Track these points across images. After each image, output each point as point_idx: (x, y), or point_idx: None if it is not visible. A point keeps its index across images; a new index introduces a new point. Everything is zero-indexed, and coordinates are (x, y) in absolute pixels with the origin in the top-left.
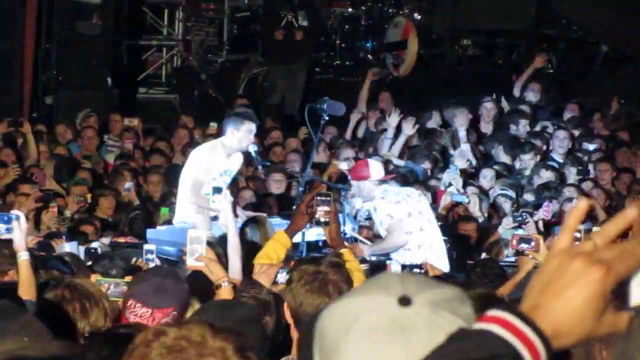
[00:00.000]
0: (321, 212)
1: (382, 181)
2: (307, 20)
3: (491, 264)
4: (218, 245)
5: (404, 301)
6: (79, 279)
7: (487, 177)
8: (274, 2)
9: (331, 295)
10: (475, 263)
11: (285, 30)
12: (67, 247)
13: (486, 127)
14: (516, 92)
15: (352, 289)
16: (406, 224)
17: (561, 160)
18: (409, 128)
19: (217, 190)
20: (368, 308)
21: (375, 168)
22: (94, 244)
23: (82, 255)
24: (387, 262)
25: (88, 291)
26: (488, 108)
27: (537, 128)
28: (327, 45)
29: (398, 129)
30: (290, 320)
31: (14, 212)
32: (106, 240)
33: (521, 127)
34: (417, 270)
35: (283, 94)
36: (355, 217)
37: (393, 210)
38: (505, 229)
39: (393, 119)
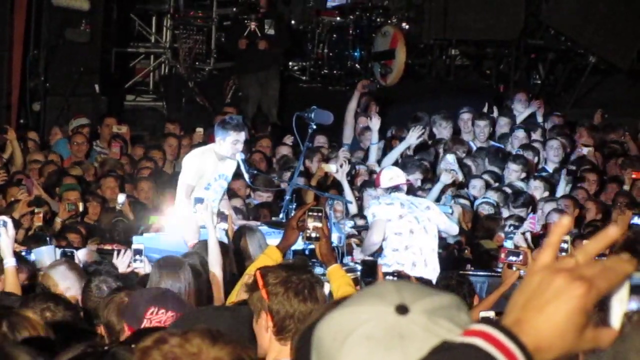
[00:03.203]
0: (312, 228)
1: (394, 189)
2: (273, 29)
3: (450, 274)
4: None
5: (401, 309)
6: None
7: (476, 187)
8: (241, 11)
9: (319, 300)
10: (438, 279)
11: (248, 39)
12: (45, 250)
13: (466, 137)
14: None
15: (348, 299)
16: (396, 225)
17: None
18: (414, 137)
19: (199, 200)
20: (365, 317)
21: (386, 176)
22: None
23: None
24: (379, 262)
25: None
26: (465, 119)
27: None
28: (315, 54)
29: (382, 135)
30: (271, 329)
31: (1, 218)
32: (93, 247)
33: (516, 142)
34: (390, 278)
35: (258, 103)
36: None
37: (378, 210)
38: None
39: (413, 136)
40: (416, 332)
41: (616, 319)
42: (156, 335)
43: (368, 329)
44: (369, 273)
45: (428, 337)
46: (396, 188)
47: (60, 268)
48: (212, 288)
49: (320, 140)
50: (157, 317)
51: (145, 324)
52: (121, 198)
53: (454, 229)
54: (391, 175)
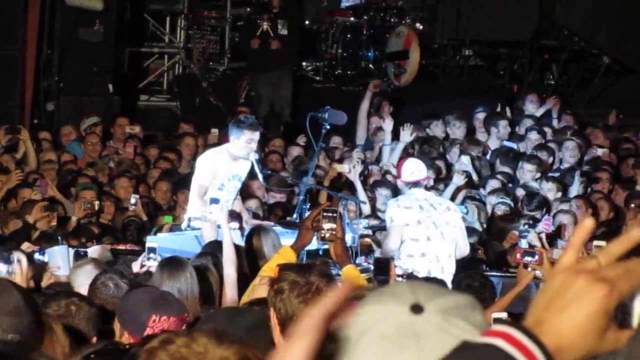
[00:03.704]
0: (327, 228)
1: (414, 184)
2: (286, 29)
3: (474, 275)
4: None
5: (416, 309)
6: None
7: (493, 187)
8: (254, 11)
9: None
10: (461, 277)
11: (261, 39)
12: (57, 250)
13: (482, 137)
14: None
15: (362, 300)
16: (413, 230)
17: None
18: (407, 135)
19: (214, 201)
20: (379, 317)
21: (407, 169)
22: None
23: (71, 259)
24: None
25: None
26: (480, 119)
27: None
28: (329, 54)
29: (395, 135)
30: (276, 326)
31: (16, 254)
32: (106, 246)
33: (529, 144)
34: (400, 279)
35: (270, 103)
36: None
37: (396, 214)
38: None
39: (406, 134)
40: (430, 332)
41: (637, 320)
42: (162, 336)
43: (382, 328)
44: (381, 271)
45: (442, 337)
46: (416, 183)
47: (87, 267)
48: (223, 289)
49: (335, 140)
50: (160, 324)
51: (148, 332)
52: (133, 199)
53: (466, 248)
54: (412, 169)
